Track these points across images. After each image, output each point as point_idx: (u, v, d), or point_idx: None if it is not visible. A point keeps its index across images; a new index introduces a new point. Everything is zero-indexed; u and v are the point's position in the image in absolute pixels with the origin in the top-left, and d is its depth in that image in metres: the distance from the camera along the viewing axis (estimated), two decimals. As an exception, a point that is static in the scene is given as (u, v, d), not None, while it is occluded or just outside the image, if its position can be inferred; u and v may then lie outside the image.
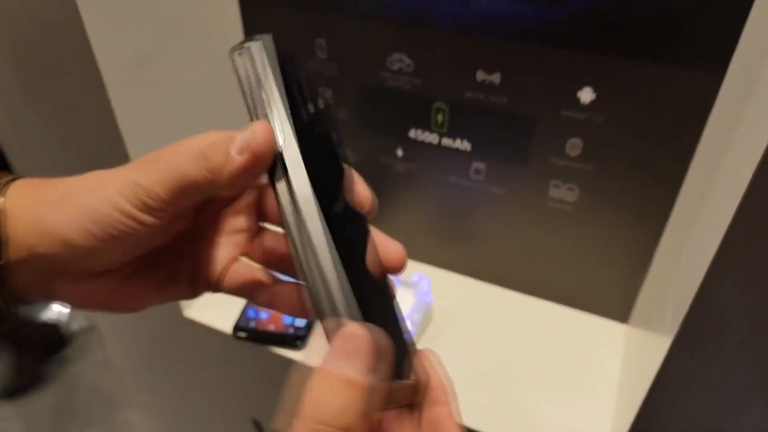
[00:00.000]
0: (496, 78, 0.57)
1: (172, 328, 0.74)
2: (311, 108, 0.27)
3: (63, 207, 0.25)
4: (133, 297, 0.29)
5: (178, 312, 0.69)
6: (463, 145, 0.63)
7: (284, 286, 0.30)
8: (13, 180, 0.27)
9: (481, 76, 0.57)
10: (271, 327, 0.66)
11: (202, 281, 0.31)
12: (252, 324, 0.66)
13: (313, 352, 0.22)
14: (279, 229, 0.30)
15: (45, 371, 1.73)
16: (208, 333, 0.69)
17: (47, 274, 0.26)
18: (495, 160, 0.62)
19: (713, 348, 0.40)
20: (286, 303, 0.30)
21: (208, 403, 0.87)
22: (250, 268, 0.31)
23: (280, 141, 0.24)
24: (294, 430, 0.18)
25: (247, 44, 0.25)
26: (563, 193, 0.61)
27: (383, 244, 0.28)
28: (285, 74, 0.25)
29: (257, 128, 0.24)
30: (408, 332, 0.26)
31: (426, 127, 0.64)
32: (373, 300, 0.25)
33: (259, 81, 0.25)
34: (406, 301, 0.67)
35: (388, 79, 0.62)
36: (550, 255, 0.66)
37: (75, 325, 1.83)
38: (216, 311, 0.69)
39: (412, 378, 0.24)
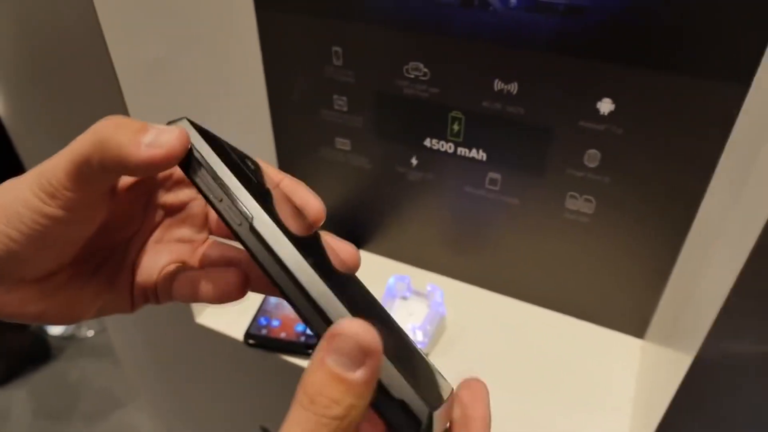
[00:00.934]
0: (513, 87, 0.56)
1: (183, 334, 0.74)
2: (251, 164, 0.28)
3: None
4: (68, 306, 0.28)
5: (190, 318, 0.69)
6: (479, 154, 0.62)
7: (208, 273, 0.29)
8: None
9: (498, 85, 0.57)
10: (283, 335, 0.65)
11: (139, 290, 0.30)
12: (263, 331, 0.66)
13: None
14: (226, 241, 0.30)
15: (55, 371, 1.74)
16: (219, 339, 0.69)
17: None
18: (511, 171, 0.62)
19: (736, 367, 0.39)
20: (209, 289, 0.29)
21: (218, 410, 0.86)
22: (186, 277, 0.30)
23: (246, 209, 0.24)
24: (296, 414, 0.19)
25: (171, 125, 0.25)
26: (580, 204, 0.60)
27: (335, 246, 0.28)
28: (214, 144, 0.25)
29: (174, 132, 0.23)
30: (401, 330, 0.26)
31: (441, 136, 0.63)
32: (354, 297, 0.24)
33: (201, 155, 0.24)
34: (419, 311, 0.66)
35: (404, 87, 0.62)
36: (566, 267, 0.65)
37: (83, 330, 1.84)
38: (228, 318, 0.69)
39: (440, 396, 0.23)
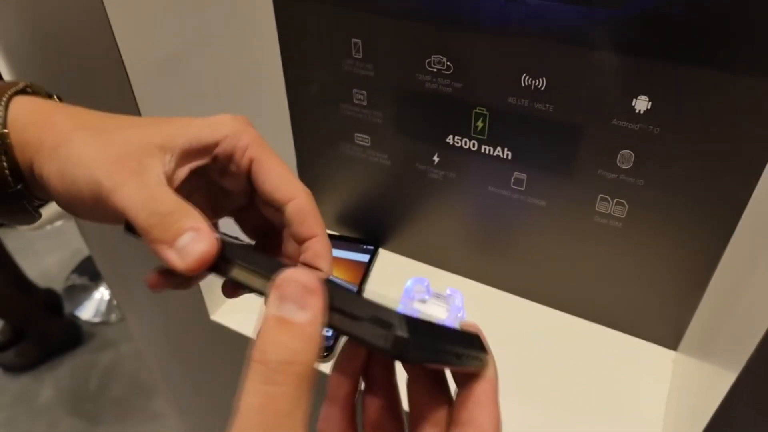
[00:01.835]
0: (541, 83, 0.53)
1: (198, 331, 0.73)
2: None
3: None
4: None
5: (205, 315, 0.68)
6: (504, 153, 0.59)
7: None
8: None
9: (525, 80, 0.53)
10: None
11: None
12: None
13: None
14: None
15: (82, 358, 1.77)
16: (235, 337, 0.67)
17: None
18: (538, 171, 0.58)
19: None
20: None
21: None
22: None
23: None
24: (248, 371, 0.20)
25: None
26: (611, 208, 0.56)
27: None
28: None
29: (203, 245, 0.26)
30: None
31: (465, 133, 0.60)
32: None
33: None
34: (437, 315, 0.64)
35: (425, 81, 0.59)
36: (595, 273, 0.61)
37: (113, 316, 1.87)
38: (242, 316, 0.67)
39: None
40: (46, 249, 2.13)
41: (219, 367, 0.80)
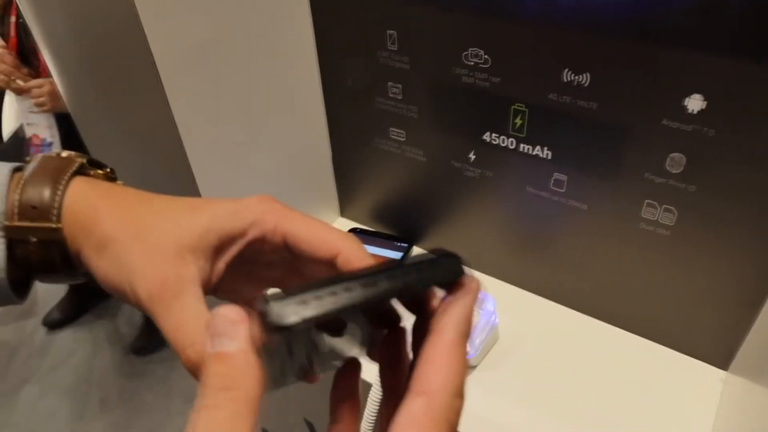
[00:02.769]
0: (585, 79, 0.49)
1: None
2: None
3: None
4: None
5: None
6: (544, 152, 0.56)
7: None
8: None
9: (567, 76, 0.50)
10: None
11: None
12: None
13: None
14: None
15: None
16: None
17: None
18: (579, 172, 0.55)
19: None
20: None
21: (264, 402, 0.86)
22: None
23: None
24: (197, 396, 0.21)
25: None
26: (659, 214, 0.52)
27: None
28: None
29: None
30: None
31: (502, 130, 0.57)
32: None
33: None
34: (468, 319, 0.61)
35: (462, 75, 0.56)
36: (638, 283, 0.57)
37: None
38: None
39: None
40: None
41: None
